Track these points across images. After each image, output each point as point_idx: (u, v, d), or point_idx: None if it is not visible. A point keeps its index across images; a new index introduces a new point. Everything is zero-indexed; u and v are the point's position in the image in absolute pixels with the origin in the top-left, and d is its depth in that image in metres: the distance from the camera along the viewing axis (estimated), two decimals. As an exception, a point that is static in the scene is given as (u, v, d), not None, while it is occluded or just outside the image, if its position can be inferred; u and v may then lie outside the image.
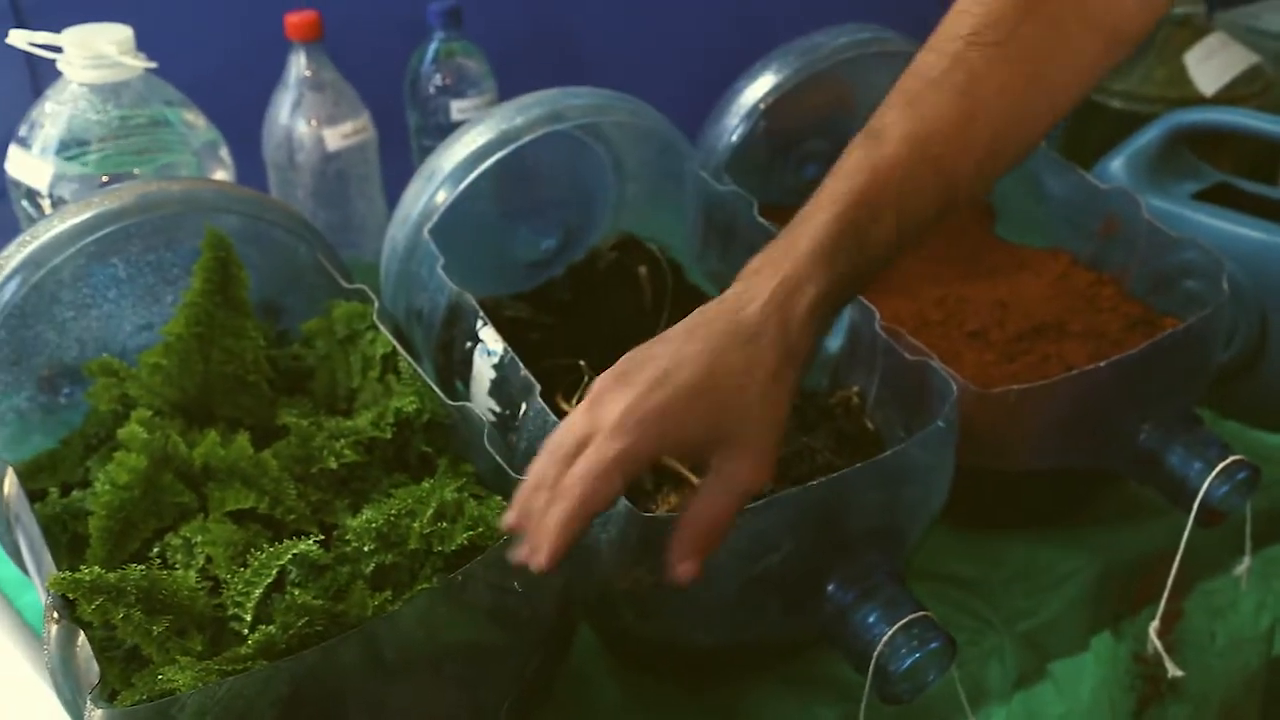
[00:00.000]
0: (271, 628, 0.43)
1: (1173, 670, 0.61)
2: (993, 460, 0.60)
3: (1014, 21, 0.50)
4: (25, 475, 0.55)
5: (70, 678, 0.43)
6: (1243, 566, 0.63)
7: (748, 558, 0.50)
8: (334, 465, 0.53)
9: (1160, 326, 0.67)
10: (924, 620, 0.49)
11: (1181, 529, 0.58)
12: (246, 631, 0.45)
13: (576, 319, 0.70)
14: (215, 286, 0.56)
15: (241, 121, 0.81)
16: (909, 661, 0.48)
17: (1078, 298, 0.71)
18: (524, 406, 0.56)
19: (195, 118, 0.73)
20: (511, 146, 0.65)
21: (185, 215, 0.59)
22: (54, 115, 0.70)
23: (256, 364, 0.57)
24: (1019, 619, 0.61)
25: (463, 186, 0.65)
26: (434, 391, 0.55)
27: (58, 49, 0.69)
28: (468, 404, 0.54)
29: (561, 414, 0.59)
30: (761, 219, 0.68)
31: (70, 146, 0.70)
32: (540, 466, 0.45)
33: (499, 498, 0.51)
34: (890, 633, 0.49)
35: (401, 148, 0.91)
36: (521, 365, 0.57)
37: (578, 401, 0.61)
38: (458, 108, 0.87)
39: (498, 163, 0.65)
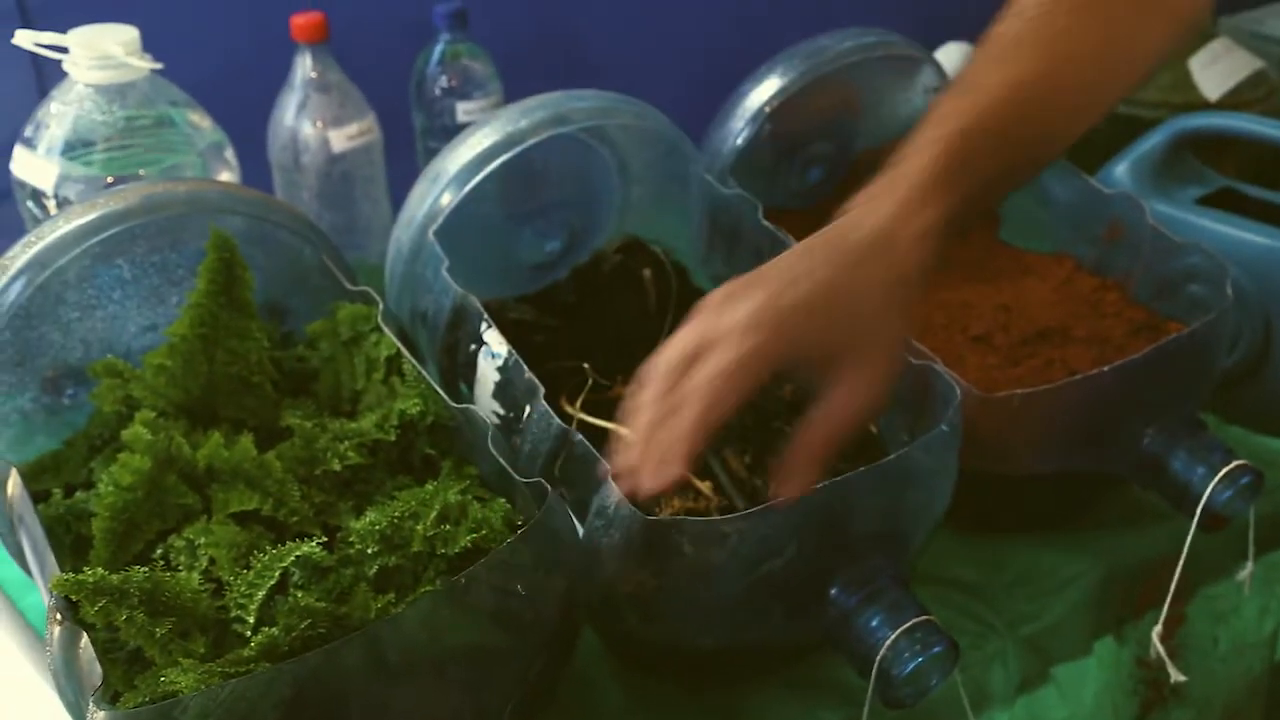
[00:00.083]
0: (274, 630, 0.43)
1: (1175, 675, 0.61)
2: (996, 464, 0.60)
3: None
4: (29, 476, 0.55)
5: (73, 679, 0.43)
6: (1246, 571, 0.63)
7: (751, 561, 0.50)
8: (338, 467, 0.53)
9: (1164, 331, 0.67)
10: (927, 624, 0.49)
11: (1185, 534, 0.58)
12: (249, 633, 0.45)
13: (581, 322, 0.70)
14: (220, 288, 0.56)
15: (247, 123, 0.81)
16: (912, 666, 0.48)
17: (1082, 302, 0.71)
18: (528, 409, 0.56)
19: (200, 119, 0.73)
20: (517, 149, 0.65)
21: (190, 216, 0.59)
22: (59, 116, 0.70)
23: (261, 365, 0.57)
24: (1022, 623, 0.61)
25: (468, 189, 0.65)
26: (438, 394, 0.55)
27: (63, 49, 0.69)
28: (472, 406, 0.54)
29: (565, 417, 0.59)
30: (766, 222, 0.68)
31: (76, 147, 0.70)
32: (655, 379, 0.45)
33: (502, 500, 0.51)
34: (893, 637, 0.49)
35: (407, 149, 0.91)
36: (526, 368, 0.57)
37: (582, 404, 0.61)
38: (463, 110, 0.87)
39: (503, 165, 0.65)
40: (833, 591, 0.51)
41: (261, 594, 0.46)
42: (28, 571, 0.55)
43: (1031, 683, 0.60)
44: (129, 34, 0.70)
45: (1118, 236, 0.72)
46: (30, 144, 0.71)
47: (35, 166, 0.70)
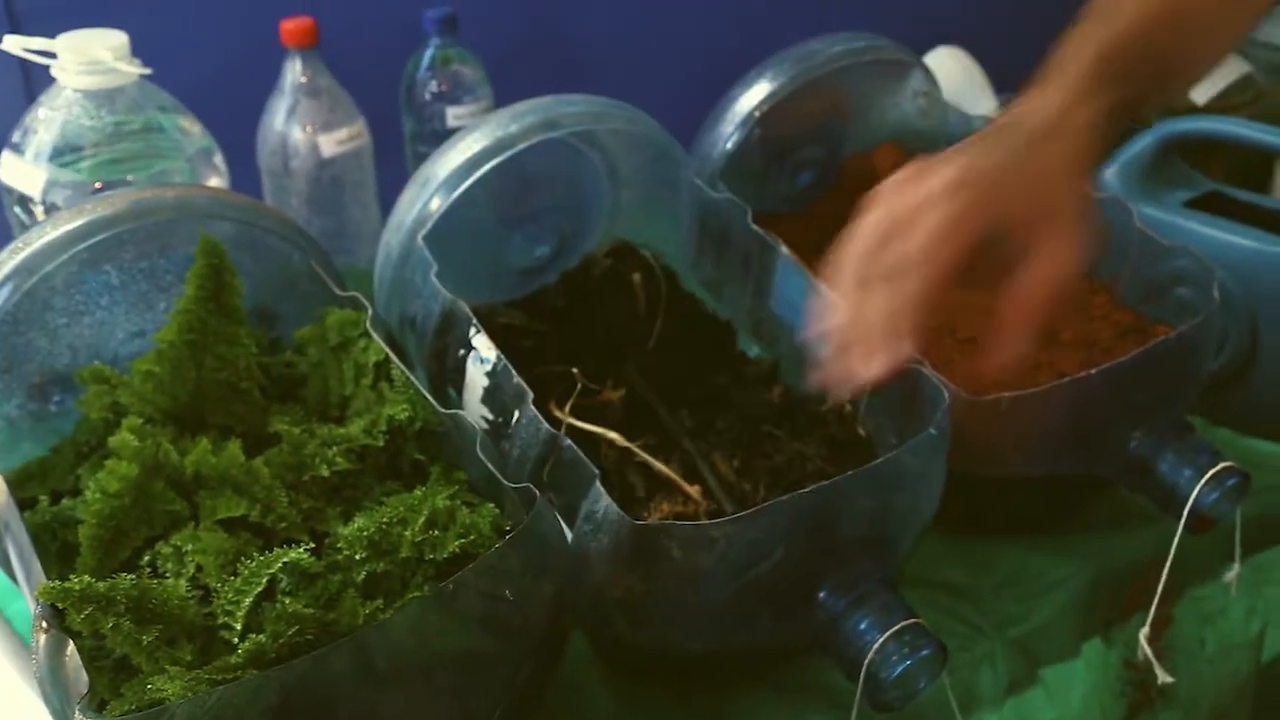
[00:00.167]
0: (261, 636, 0.43)
1: (1163, 676, 0.61)
2: (984, 467, 0.60)
3: None
4: (15, 483, 0.55)
5: (59, 687, 0.43)
6: (1232, 573, 0.63)
7: (740, 565, 0.50)
8: (326, 473, 0.53)
9: (1152, 334, 0.67)
10: (915, 627, 0.50)
11: (1172, 535, 0.59)
12: (236, 640, 0.45)
13: (570, 326, 0.70)
14: (208, 293, 0.56)
15: (236, 128, 0.81)
16: (900, 669, 0.49)
17: (1069, 305, 0.71)
18: (516, 414, 0.56)
19: (190, 124, 0.73)
20: (506, 154, 0.65)
21: (179, 222, 0.59)
22: (48, 121, 0.70)
23: (249, 371, 0.57)
24: (1010, 625, 0.61)
25: (457, 193, 0.65)
26: (426, 399, 0.55)
27: (52, 55, 0.69)
28: (460, 412, 0.54)
29: (555, 421, 0.59)
30: (756, 226, 0.68)
31: (64, 153, 0.70)
32: (852, 262, 0.46)
33: (491, 505, 0.51)
34: (881, 640, 0.49)
35: (397, 154, 0.91)
36: (514, 372, 0.57)
37: (571, 409, 0.61)
38: (453, 114, 0.87)
39: (492, 170, 0.65)
40: (821, 595, 0.51)
41: (249, 600, 0.46)
42: (14, 579, 0.55)
43: (1020, 685, 0.60)
44: (118, 39, 0.70)
45: (1106, 240, 0.72)
46: (18, 149, 0.71)
47: (23, 172, 0.70)
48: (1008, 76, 1.06)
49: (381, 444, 0.54)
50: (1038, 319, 0.49)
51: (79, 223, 0.58)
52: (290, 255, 0.63)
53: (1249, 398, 0.73)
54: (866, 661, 0.49)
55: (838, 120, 0.80)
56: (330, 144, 0.82)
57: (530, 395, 0.55)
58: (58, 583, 0.44)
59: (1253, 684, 0.70)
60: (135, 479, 0.50)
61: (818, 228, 0.79)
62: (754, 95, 0.76)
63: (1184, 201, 0.77)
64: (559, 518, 0.52)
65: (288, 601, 0.45)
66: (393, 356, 0.58)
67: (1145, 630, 0.61)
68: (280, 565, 0.46)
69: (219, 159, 0.74)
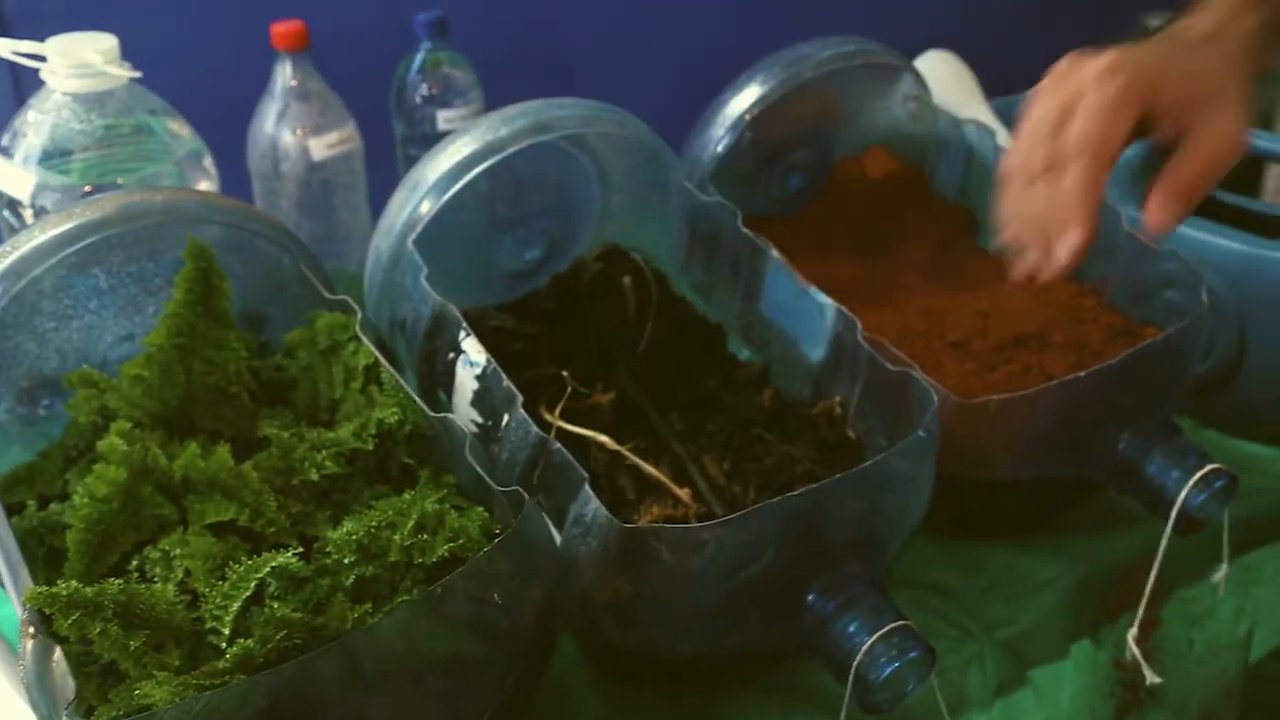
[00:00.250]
0: (250, 641, 0.43)
1: (1151, 677, 0.61)
2: (973, 469, 0.60)
3: None
4: (2, 488, 0.55)
5: (46, 693, 0.43)
6: (1220, 574, 0.63)
7: (729, 568, 0.50)
8: (315, 477, 0.53)
9: (1140, 337, 0.67)
10: (904, 629, 0.50)
11: (1160, 537, 0.59)
12: (225, 645, 0.45)
13: (561, 329, 0.70)
14: (197, 297, 0.56)
15: (226, 131, 0.81)
16: (888, 671, 0.49)
17: (1059, 308, 0.71)
18: (506, 418, 0.56)
19: (180, 127, 0.73)
20: (496, 157, 0.65)
21: (168, 225, 0.59)
22: (37, 125, 0.70)
23: (238, 375, 0.57)
24: (999, 626, 0.61)
25: (447, 197, 0.65)
26: (416, 403, 0.55)
27: (41, 58, 0.69)
28: (449, 415, 0.54)
29: (545, 425, 0.59)
30: (746, 230, 0.68)
31: (53, 156, 0.70)
32: (1020, 159, 0.48)
33: (480, 509, 0.51)
34: (870, 642, 0.49)
35: (387, 157, 0.91)
36: (504, 376, 0.57)
37: (561, 412, 0.61)
38: (444, 118, 0.87)
39: (483, 173, 0.65)
40: (810, 597, 0.51)
41: (237, 605, 0.46)
42: (1, 584, 0.55)
43: (1009, 686, 0.60)
44: (108, 42, 0.69)
45: (1094, 243, 0.72)
46: (7, 153, 0.70)
47: (12, 176, 0.70)
48: (998, 80, 1.06)
49: (371, 448, 0.54)
50: (1196, 196, 0.50)
51: (68, 226, 0.58)
52: (280, 259, 0.63)
53: (1237, 400, 0.73)
54: (855, 663, 0.49)
55: (828, 124, 0.80)
56: (321, 147, 0.82)
57: (520, 399, 0.55)
58: (45, 588, 0.44)
59: (1240, 684, 0.70)
60: (123, 483, 0.50)
61: (808, 231, 0.79)
62: (744, 99, 0.76)
63: (1172, 204, 0.77)
64: (548, 521, 0.52)
65: (276, 606, 0.45)
66: (382, 360, 0.58)
67: (1133, 631, 0.61)
68: (269, 570, 0.46)
69: (209, 162, 0.74)
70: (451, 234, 0.66)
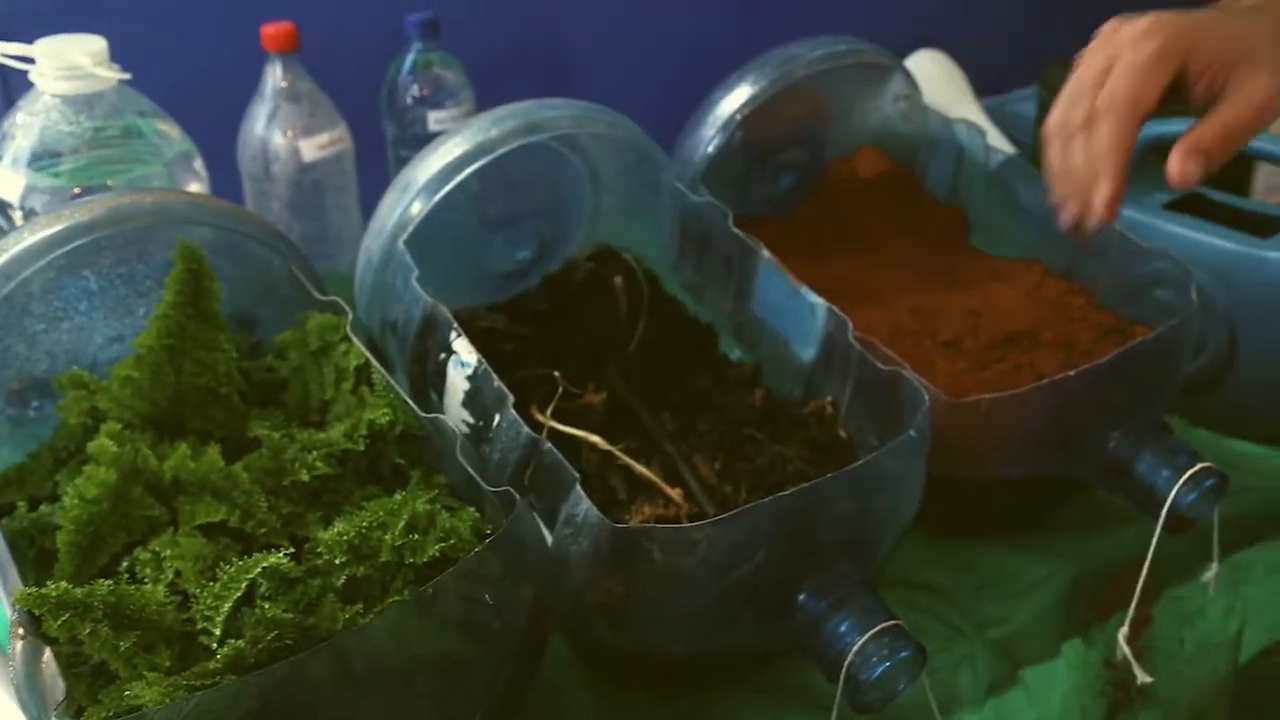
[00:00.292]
0: (240, 642, 0.43)
1: (1142, 676, 0.62)
2: (964, 469, 0.60)
3: None
4: (-7, 489, 0.55)
5: (36, 694, 0.43)
6: (1211, 573, 0.63)
7: (720, 568, 0.50)
8: (306, 478, 0.52)
9: (1131, 336, 0.67)
10: (895, 629, 0.50)
11: (1150, 536, 0.59)
12: (215, 646, 0.45)
13: (552, 330, 0.70)
14: (187, 299, 0.56)
15: (217, 132, 0.81)
16: (879, 670, 0.49)
17: (1050, 307, 0.71)
18: (497, 418, 0.56)
19: (169, 128, 0.73)
20: (487, 158, 0.65)
21: (157, 227, 0.59)
22: (26, 127, 0.70)
23: (229, 376, 0.57)
24: (990, 626, 0.61)
25: (438, 197, 0.65)
26: (407, 403, 0.55)
27: (30, 60, 0.69)
28: (440, 416, 0.54)
29: (535, 425, 0.59)
30: (737, 230, 0.68)
31: (42, 158, 0.69)
32: (1060, 117, 0.51)
33: (472, 509, 0.51)
34: (861, 642, 0.49)
35: (378, 158, 0.91)
36: (495, 376, 0.57)
37: (552, 412, 0.61)
38: (435, 119, 0.87)
39: (473, 174, 0.65)
40: (801, 597, 0.51)
41: (228, 606, 0.46)
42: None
43: (1000, 685, 0.60)
44: (97, 44, 0.69)
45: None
46: (-4, 155, 0.70)
47: (1, 177, 0.70)
48: (989, 80, 1.06)
49: (362, 448, 0.54)
50: (1215, 156, 0.52)
51: (57, 228, 0.58)
52: (270, 260, 0.63)
53: (1227, 398, 0.74)
54: (846, 663, 0.49)
55: (819, 124, 0.80)
56: (311, 149, 0.82)
57: (511, 399, 0.55)
58: (35, 589, 0.44)
59: (1231, 683, 0.70)
60: (114, 485, 0.50)
61: (799, 231, 0.79)
62: (735, 99, 0.76)
63: (1163, 203, 0.78)
64: (539, 521, 0.52)
65: (267, 606, 0.45)
66: (373, 361, 0.58)
67: (1124, 630, 0.61)
68: (259, 570, 0.46)
69: (199, 164, 0.74)
70: (442, 235, 0.66)
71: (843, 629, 0.50)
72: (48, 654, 0.42)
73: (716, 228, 0.70)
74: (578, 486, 0.50)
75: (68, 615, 0.43)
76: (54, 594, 0.43)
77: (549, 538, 0.51)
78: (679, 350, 0.70)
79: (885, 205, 0.81)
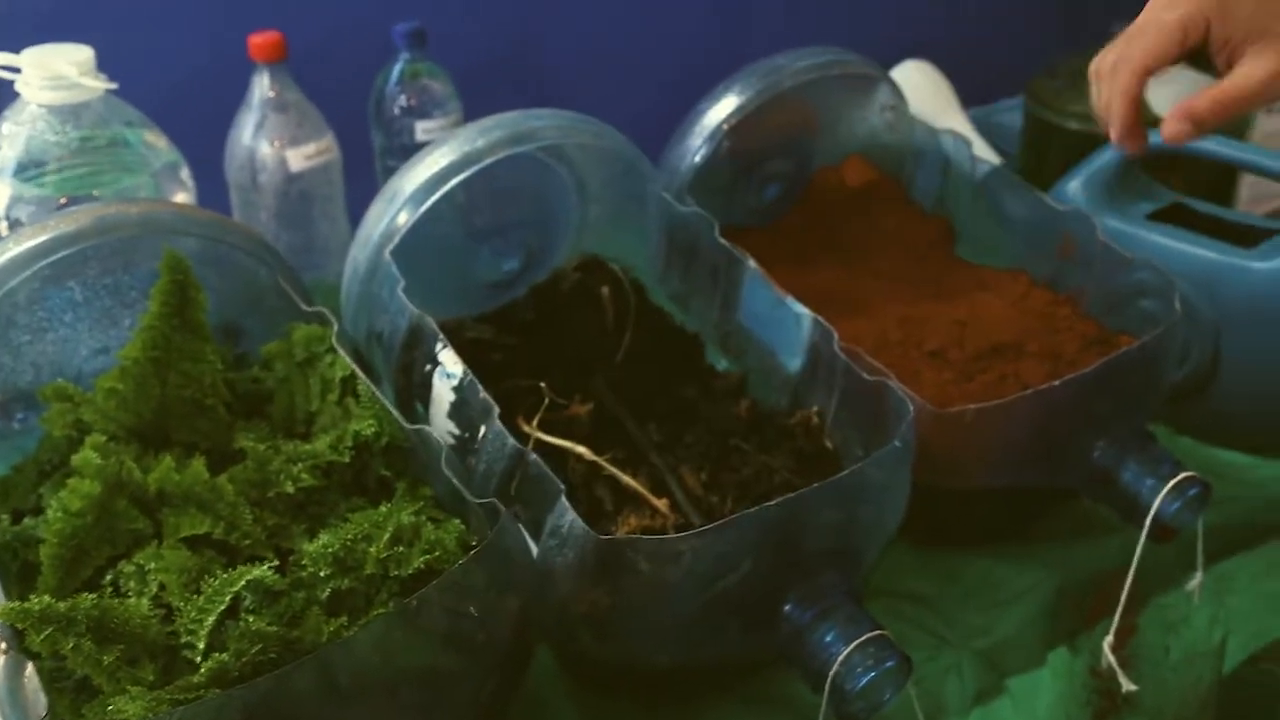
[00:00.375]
0: (225, 655, 0.43)
1: (1127, 685, 0.62)
2: (949, 479, 0.61)
3: None
4: (-23, 501, 0.54)
5: (18, 709, 0.43)
6: (1195, 582, 0.64)
7: (706, 579, 0.50)
8: (291, 490, 0.52)
9: (1115, 345, 0.68)
10: (880, 639, 0.50)
11: (1135, 545, 0.59)
12: (199, 659, 0.45)
13: (539, 340, 0.71)
14: (173, 310, 0.56)
15: (204, 142, 0.80)
16: (864, 680, 0.49)
17: (1035, 318, 0.72)
18: (483, 429, 0.56)
19: (156, 139, 0.73)
20: (474, 168, 0.66)
21: (143, 238, 0.59)
22: (12, 136, 0.70)
23: (214, 388, 0.57)
24: (976, 635, 0.61)
25: (424, 208, 0.65)
26: (392, 414, 0.55)
27: (16, 70, 0.69)
28: (426, 427, 0.54)
29: (522, 436, 0.59)
30: (723, 240, 0.68)
31: (28, 168, 0.69)
32: (1097, 62, 0.60)
33: (457, 521, 0.51)
34: (846, 652, 0.49)
35: (366, 168, 0.91)
36: (480, 387, 0.57)
37: (539, 423, 0.61)
38: (423, 129, 0.87)
39: (460, 184, 0.66)
40: (786, 607, 0.52)
41: (212, 619, 0.45)
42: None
43: (986, 694, 0.60)
44: (83, 54, 0.69)
45: (1070, 252, 0.73)
46: (-18, 165, 0.70)
47: (-13, 188, 0.69)
48: (975, 90, 1.07)
49: (347, 460, 0.54)
50: (1205, 124, 0.57)
51: (42, 239, 0.58)
52: (256, 271, 0.63)
53: (1211, 408, 0.74)
54: (831, 673, 0.49)
55: (805, 134, 0.81)
56: (298, 159, 0.82)
57: (496, 410, 0.55)
58: (17, 603, 0.43)
59: (1215, 692, 0.70)
60: (98, 497, 0.50)
61: (785, 241, 0.80)
62: (722, 109, 0.77)
63: (1147, 214, 0.78)
64: (525, 533, 0.52)
65: (251, 620, 0.45)
66: (359, 372, 0.58)
67: (1109, 639, 0.61)
68: (244, 583, 0.46)
69: (185, 174, 0.74)
70: (429, 245, 0.66)
71: (828, 639, 0.50)
72: (30, 669, 0.42)
73: (703, 238, 0.70)
74: (563, 498, 0.50)
75: (51, 630, 0.43)
76: (37, 608, 0.43)
77: (534, 549, 0.51)
78: (665, 360, 0.70)
79: (871, 215, 0.81)
